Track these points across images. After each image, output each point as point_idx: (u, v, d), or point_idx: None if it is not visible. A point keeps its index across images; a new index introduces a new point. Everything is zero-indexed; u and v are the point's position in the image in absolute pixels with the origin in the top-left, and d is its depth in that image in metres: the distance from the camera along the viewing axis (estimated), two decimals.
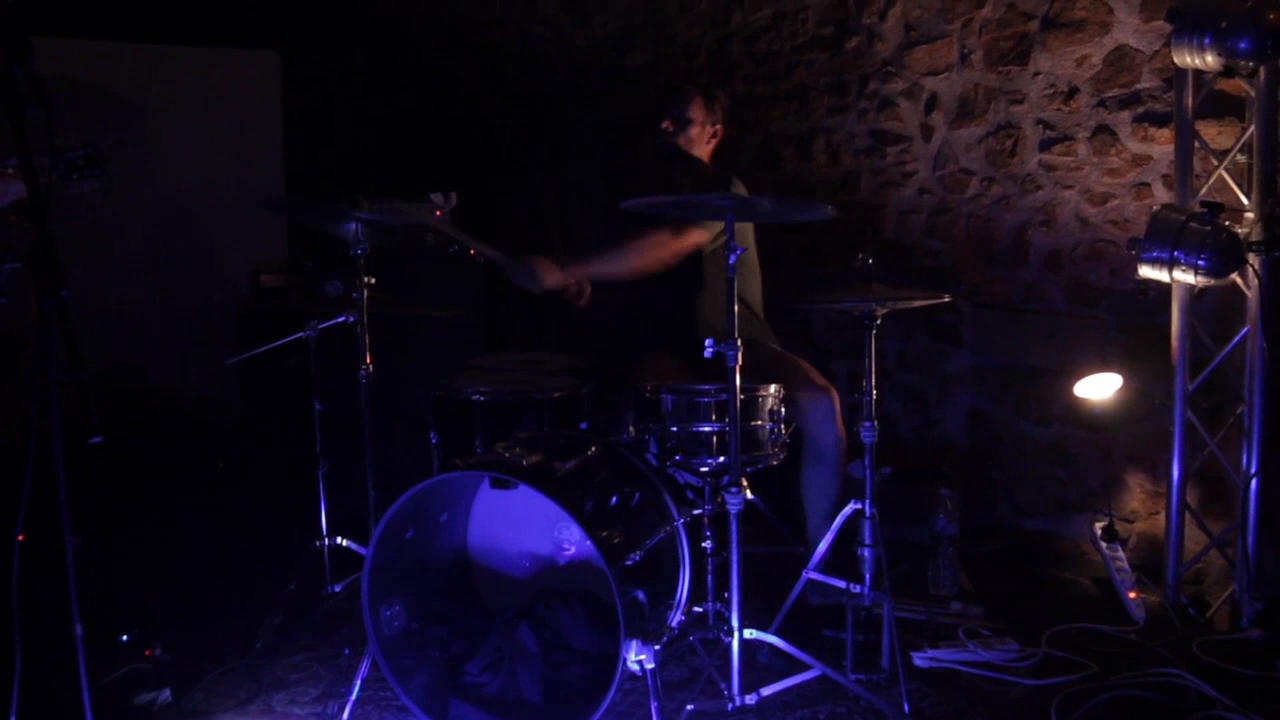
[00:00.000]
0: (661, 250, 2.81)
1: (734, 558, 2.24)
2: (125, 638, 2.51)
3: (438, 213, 3.86)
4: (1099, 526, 3.12)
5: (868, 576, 2.49)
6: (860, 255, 2.47)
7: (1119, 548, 3.05)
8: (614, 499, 2.32)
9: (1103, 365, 3.17)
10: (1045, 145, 3.34)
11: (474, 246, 2.98)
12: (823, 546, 2.63)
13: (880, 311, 2.44)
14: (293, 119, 4.93)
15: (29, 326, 1.82)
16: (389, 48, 5.47)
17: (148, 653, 2.53)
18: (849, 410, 4.06)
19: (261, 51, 4.96)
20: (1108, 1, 3.07)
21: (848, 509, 2.54)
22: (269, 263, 4.49)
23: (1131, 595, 2.89)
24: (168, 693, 2.43)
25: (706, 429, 2.38)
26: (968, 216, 3.64)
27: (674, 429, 2.38)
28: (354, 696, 2.31)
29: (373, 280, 2.62)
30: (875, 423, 2.49)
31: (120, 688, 2.36)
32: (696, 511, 2.45)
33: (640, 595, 2.24)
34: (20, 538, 2.19)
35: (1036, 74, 3.33)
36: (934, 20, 3.62)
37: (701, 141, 3.10)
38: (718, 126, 3.14)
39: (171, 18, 4.85)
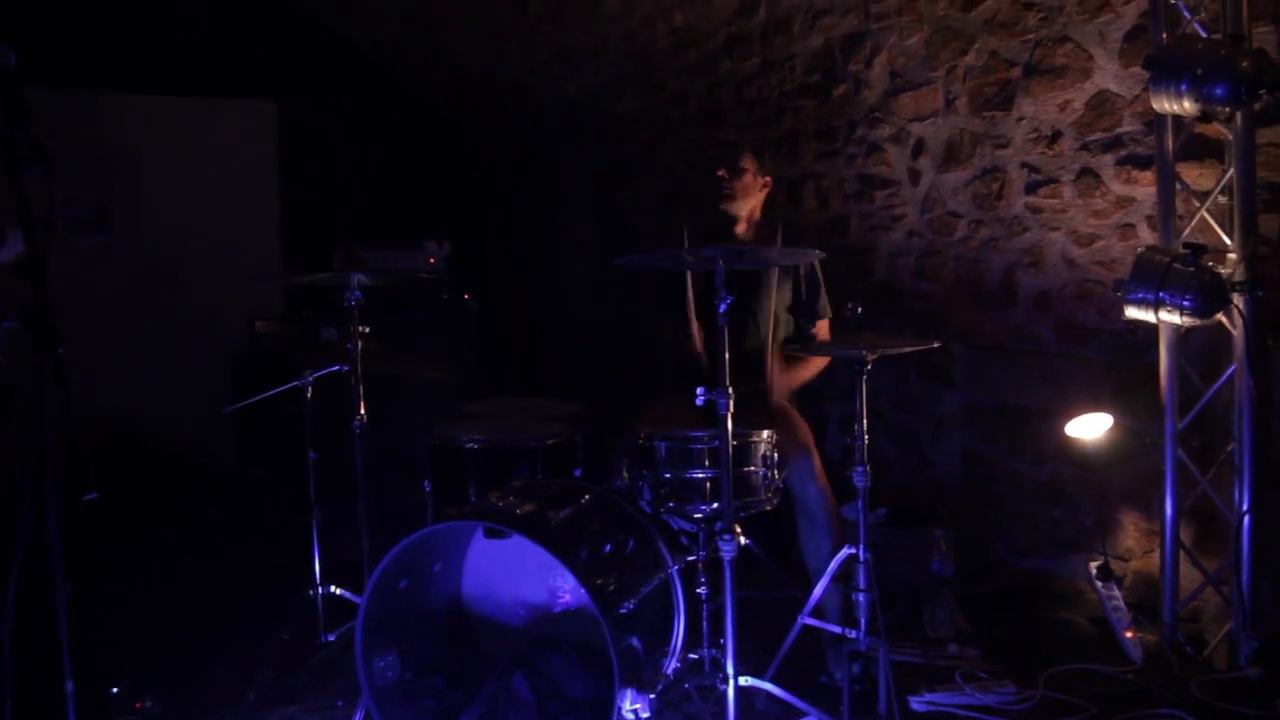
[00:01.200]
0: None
1: (728, 604, 2.23)
2: (116, 690, 2.49)
3: (432, 260, 3.90)
4: (1094, 566, 3.12)
5: (863, 621, 2.49)
6: (849, 305, 2.50)
7: (1114, 587, 3.04)
8: (608, 546, 2.32)
9: (1094, 404, 3.18)
10: (1031, 188, 3.39)
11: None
12: (818, 591, 2.63)
13: (870, 358, 2.47)
14: (288, 166, 4.99)
15: (25, 382, 1.85)
16: (384, 96, 5.56)
17: (139, 705, 2.50)
18: (842, 453, 4.10)
19: (258, 101, 5.03)
20: (1087, 49, 3.14)
21: (842, 553, 2.54)
22: (264, 309, 4.51)
23: (1128, 635, 2.88)
24: None
25: (699, 475, 2.38)
26: (956, 259, 3.68)
27: (667, 475, 2.39)
28: None
29: (366, 329, 2.64)
30: (868, 468, 2.50)
31: None
32: (690, 558, 2.45)
33: (635, 642, 2.24)
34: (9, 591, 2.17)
35: (1020, 119, 3.39)
36: (919, 68, 3.69)
37: (755, 189, 3.15)
38: (768, 178, 3.21)
39: (170, 70, 4.94)
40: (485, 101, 5.52)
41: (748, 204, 3.15)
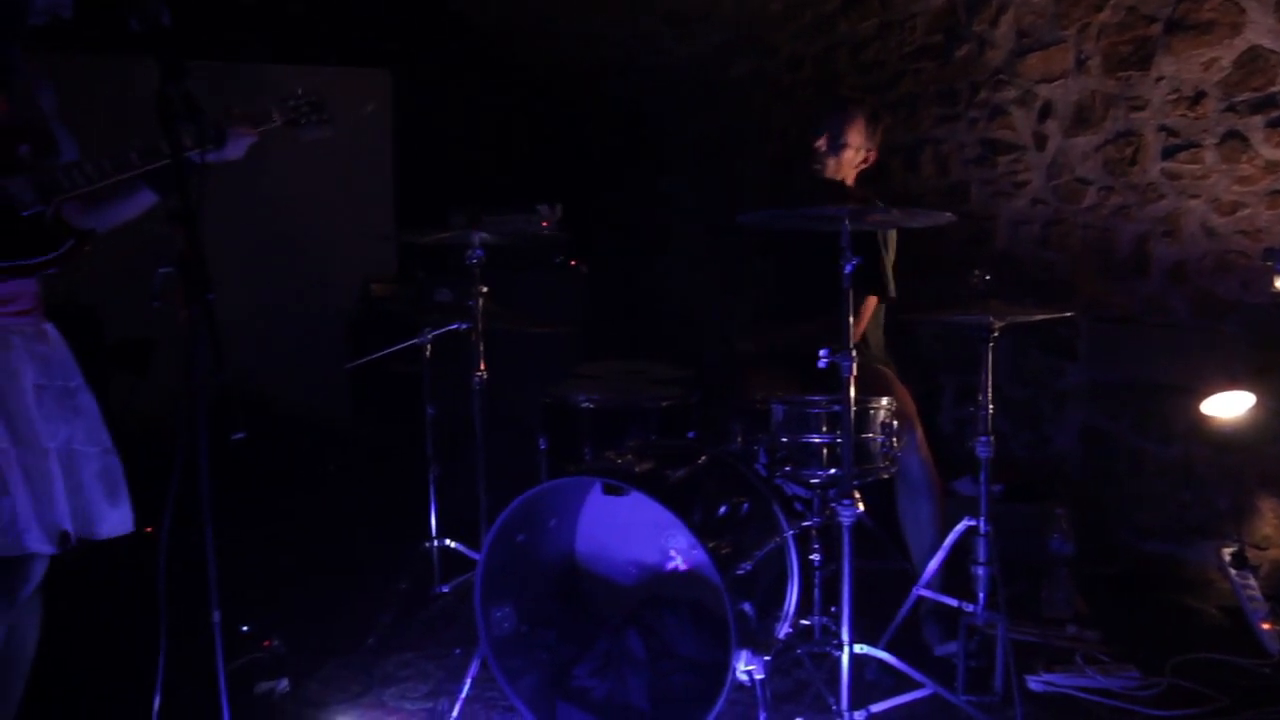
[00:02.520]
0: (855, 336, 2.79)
1: (845, 571, 2.21)
2: (245, 629, 2.62)
3: (544, 224, 3.93)
4: (1228, 552, 2.96)
5: (981, 595, 2.43)
6: (977, 272, 2.41)
7: (1250, 576, 2.89)
8: (723, 508, 2.31)
9: (1231, 382, 3.01)
10: (1169, 153, 3.21)
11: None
12: (934, 564, 2.57)
13: (998, 326, 2.38)
14: (402, 134, 5.10)
15: (162, 335, 1.94)
16: (494, 65, 5.61)
17: (266, 644, 2.63)
18: (957, 425, 3.99)
19: (373, 70, 5.14)
20: (1239, 2, 2.94)
21: (961, 525, 2.48)
22: (379, 272, 4.63)
23: (1265, 626, 2.73)
24: (285, 682, 2.52)
25: (817, 440, 2.35)
26: (1084, 227, 3.52)
27: (784, 440, 2.36)
28: (464, 694, 2.35)
29: (485, 289, 2.68)
30: (991, 438, 2.42)
31: (240, 676, 2.46)
32: (805, 523, 2.43)
33: (747, 606, 2.23)
34: (149, 530, 2.31)
35: (1159, 79, 3.21)
36: (1048, 26, 3.53)
37: (851, 165, 2.99)
38: (872, 152, 3.01)
39: (290, 40, 5.08)
40: (594, 69, 5.52)
41: (837, 177, 3.02)
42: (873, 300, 2.95)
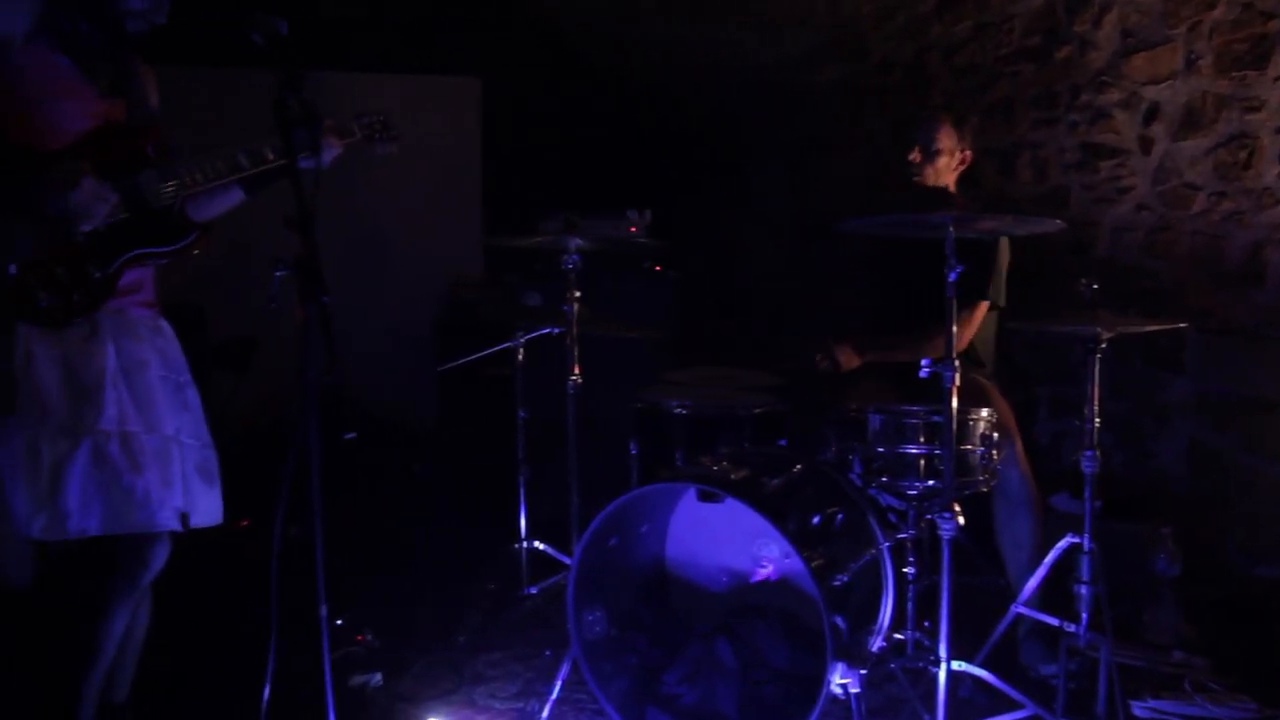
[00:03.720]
0: (962, 343, 2.75)
1: (944, 585, 2.16)
2: (339, 622, 2.68)
3: (632, 229, 3.94)
4: None
5: (1085, 615, 2.34)
6: (1084, 280, 2.34)
7: None
8: (818, 518, 2.28)
9: None
10: None
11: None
12: (1034, 581, 2.49)
13: (1106, 336, 2.30)
14: (490, 139, 5.17)
15: (281, 331, 2.01)
16: (582, 71, 5.67)
17: (359, 638, 2.69)
18: (1053, 438, 3.87)
19: (463, 78, 5.23)
20: None
21: (1063, 542, 2.41)
22: (466, 276, 4.70)
23: None
24: (379, 676, 2.57)
25: (914, 451, 2.31)
26: (1192, 234, 3.38)
27: (880, 450, 2.33)
28: (554, 696, 2.37)
29: (579, 294, 2.69)
30: (1097, 452, 2.35)
31: (335, 669, 2.52)
32: (901, 535, 2.38)
33: (840, 620, 2.19)
34: (245, 522, 2.38)
35: (1278, 78, 3.06)
36: (1155, 25, 3.39)
37: (949, 170, 2.98)
38: (966, 153, 3.00)
39: (383, 49, 5.20)
40: (682, 74, 5.52)
41: (939, 183, 2.99)
42: (982, 306, 2.88)
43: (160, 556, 1.99)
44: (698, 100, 5.58)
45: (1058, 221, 2.11)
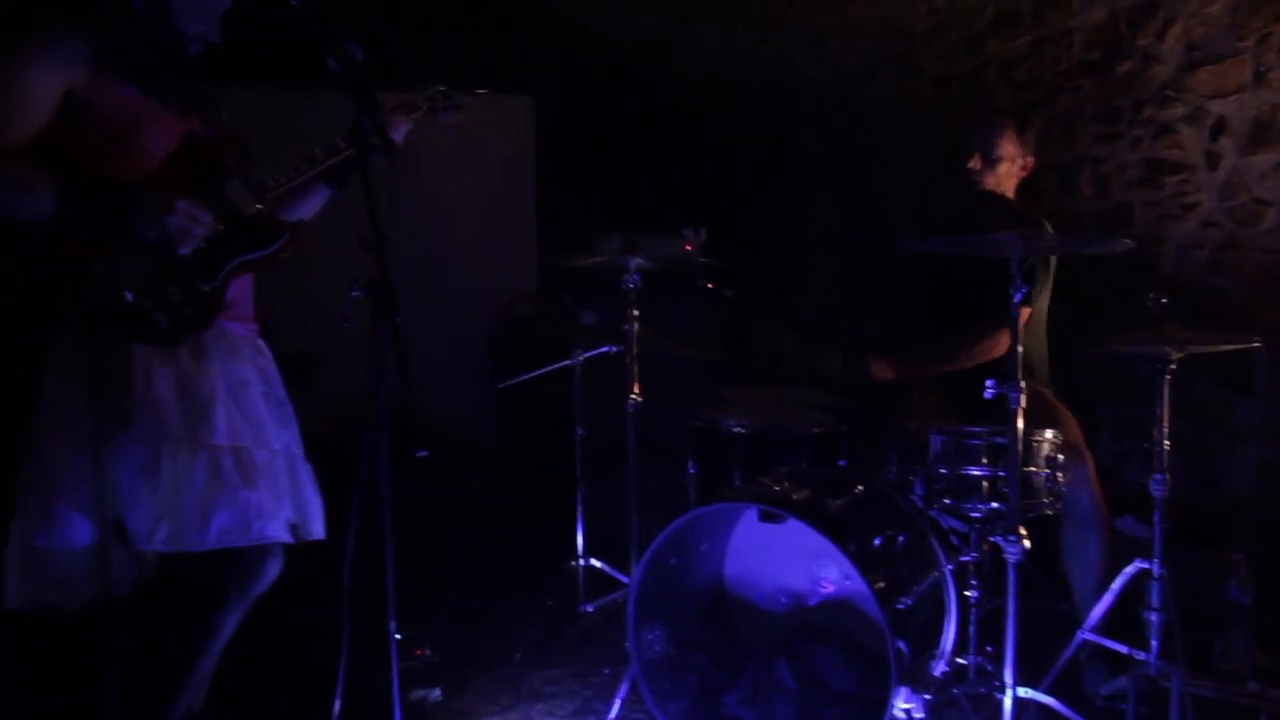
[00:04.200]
0: (999, 350, 2.71)
1: (1010, 610, 2.12)
2: (399, 636, 2.71)
3: (688, 247, 3.96)
4: None
5: (1154, 643, 2.29)
6: (1152, 295, 2.29)
7: None
8: (880, 540, 2.26)
9: None
10: None
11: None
12: (1100, 608, 2.44)
13: (1175, 356, 2.26)
14: (545, 157, 5.22)
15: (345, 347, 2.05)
16: (636, 89, 5.70)
17: (418, 652, 2.72)
18: (1117, 459, 3.79)
19: (517, 96, 5.30)
20: None
21: (1132, 567, 2.35)
22: (522, 293, 4.75)
23: None
24: (438, 692, 2.59)
25: (977, 473, 2.28)
26: (1263, 251, 3.30)
27: (942, 471, 2.30)
28: (614, 715, 2.37)
29: (637, 312, 2.71)
30: (1168, 475, 2.29)
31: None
32: (964, 558, 2.35)
33: (903, 643, 2.17)
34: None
35: None
36: (1222, 38, 3.33)
37: (1010, 177, 2.93)
38: (1028, 159, 2.96)
39: (435, 68, 5.28)
40: (735, 91, 5.54)
41: (998, 190, 2.94)
42: (1025, 311, 2.82)
43: (273, 569, 2.03)
44: (752, 116, 5.59)
45: (1127, 241, 2.08)
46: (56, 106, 1.82)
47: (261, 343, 2.14)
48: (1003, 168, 2.92)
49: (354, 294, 1.72)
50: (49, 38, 1.81)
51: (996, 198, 2.93)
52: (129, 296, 1.84)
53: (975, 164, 2.93)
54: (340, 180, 2.19)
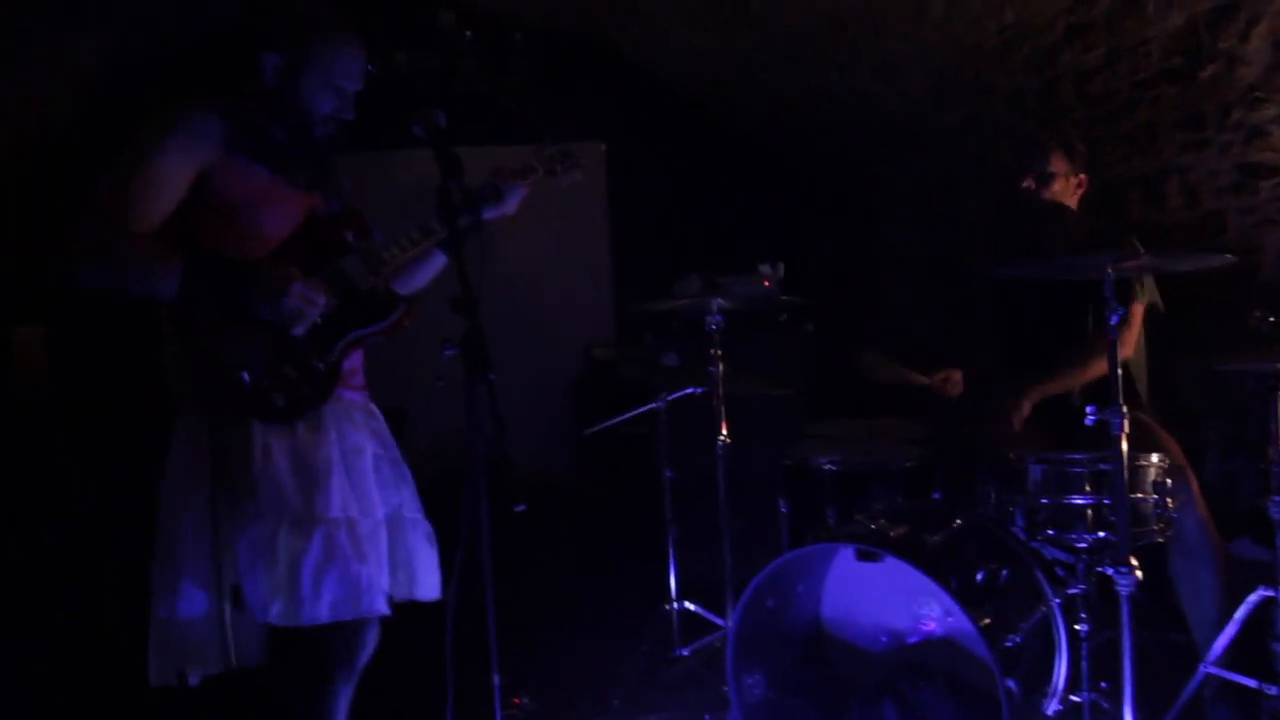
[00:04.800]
0: (1126, 349, 2.68)
1: (1125, 646, 2.04)
2: (496, 682, 2.73)
3: (766, 283, 3.95)
4: None
5: None
6: (1258, 313, 2.21)
7: None
8: (982, 575, 2.20)
9: None
10: None
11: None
12: (1224, 638, 2.33)
13: None
14: (618, 201, 5.30)
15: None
16: (706, 129, 5.76)
17: (516, 701, 2.73)
18: (1226, 479, 3.62)
19: (587, 143, 5.40)
20: None
21: (1255, 595, 2.24)
22: (600, 336, 4.80)
23: None
24: None
25: (1081, 501, 2.21)
26: None
27: (1043, 501, 2.24)
28: None
29: (721, 352, 2.72)
30: None
31: None
32: (1072, 590, 2.27)
33: (1012, 682, 2.10)
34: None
35: None
36: None
37: (1066, 195, 2.94)
38: (1081, 176, 2.97)
39: (508, 119, 5.42)
40: (805, 124, 5.54)
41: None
42: (1137, 310, 2.76)
43: (373, 639, 2.06)
44: (823, 148, 5.58)
45: (1228, 256, 2.01)
46: (190, 187, 1.88)
47: (374, 406, 2.16)
48: (1057, 184, 2.91)
49: (447, 352, 1.76)
50: (191, 125, 1.87)
51: (1054, 207, 2.89)
52: (246, 377, 1.88)
53: (1030, 184, 2.92)
54: (456, 249, 2.12)
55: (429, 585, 2.11)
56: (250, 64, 1.98)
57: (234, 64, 2.07)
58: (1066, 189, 2.93)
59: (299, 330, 1.93)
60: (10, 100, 4.04)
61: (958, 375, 3.03)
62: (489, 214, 2.26)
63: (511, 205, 2.29)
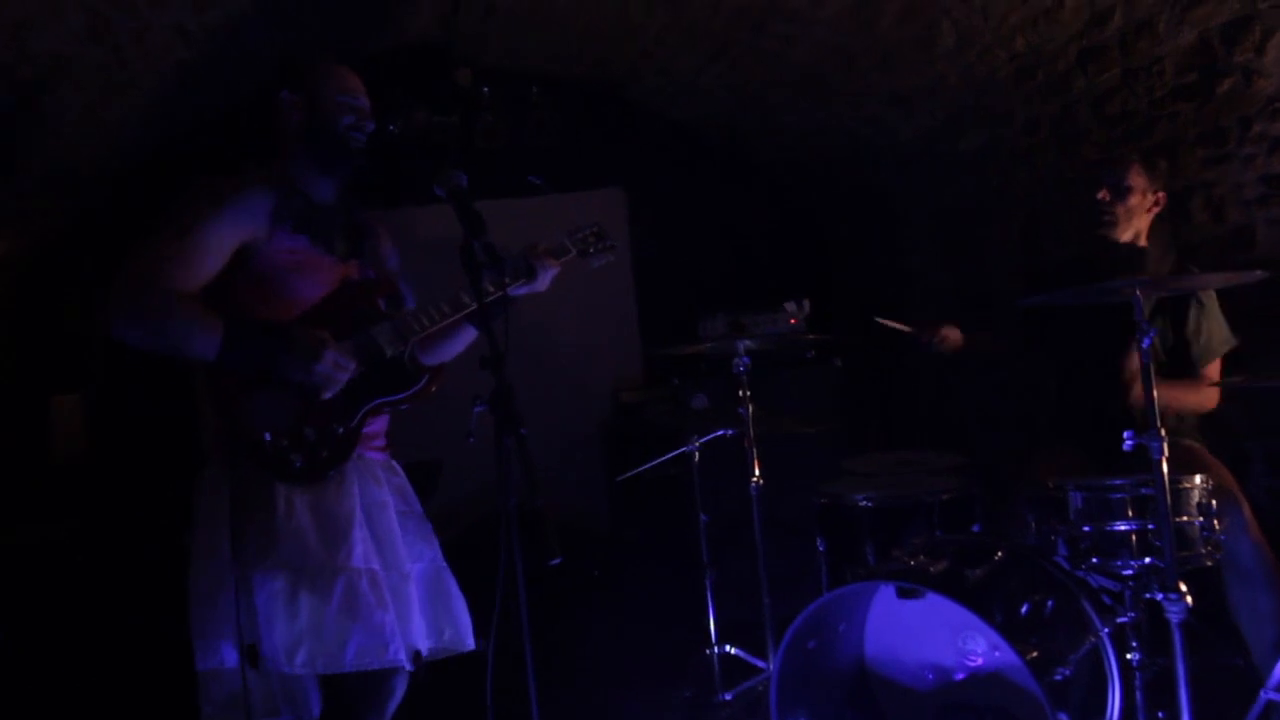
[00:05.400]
0: (1210, 402, 2.77)
1: (1180, 673, 1.99)
2: None
3: (792, 320, 3.95)
4: None
5: None
6: None
7: None
8: (1027, 607, 2.16)
9: None
10: None
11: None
12: None
13: None
14: (640, 245, 5.34)
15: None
16: (723, 169, 5.80)
17: None
18: (1272, 495, 3.54)
19: (607, 190, 5.46)
20: None
21: None
22: (627, 380, 4.81)
23: None
24: None
25: (1123, 528, 2.17)
26: None
27: (1085, 529, 2.20)
28: None
29: (750, 393, 2.71)
30: None
31: None
32: (1121, 619, 2.22)
33: (1064, 716, 2.05)
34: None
35: None
36: None
37: (1142, 210, 2.90)
38: (1160, 194, 2.94)
39: (525, 174, 5.48)
40: (822, 159, 5.57)
41: (1131, 228, 2.87)
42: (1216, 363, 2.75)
43: (400, 688, 2.07)
44: (841, 182, 5.59)
45: (1258, 272, 1.98)
46: (232, 255, 1.94)
47: (395, 464, 2.19)
48: (1134, 199, 2.88)
49: (477, 409, 1.78)
50: (242, 202, 1.94)
51: (1130, 250, 2.85)
52: (267, 437, 1.92)
53: (1104, 195, 2.89)
54: (484, 316, 2.15)
55: (469, 637, 2.11)
56: (270, 111, 2.07)
57: (254, 123, 2.15)
58: (1142, 205, 2.90)
59: (326, 395, 1.96)
60: (45, 174, 4.16)
61: (956, 331, 3.07)
62: (520, 290, 2.29)
63: (543, 284, 2.32)
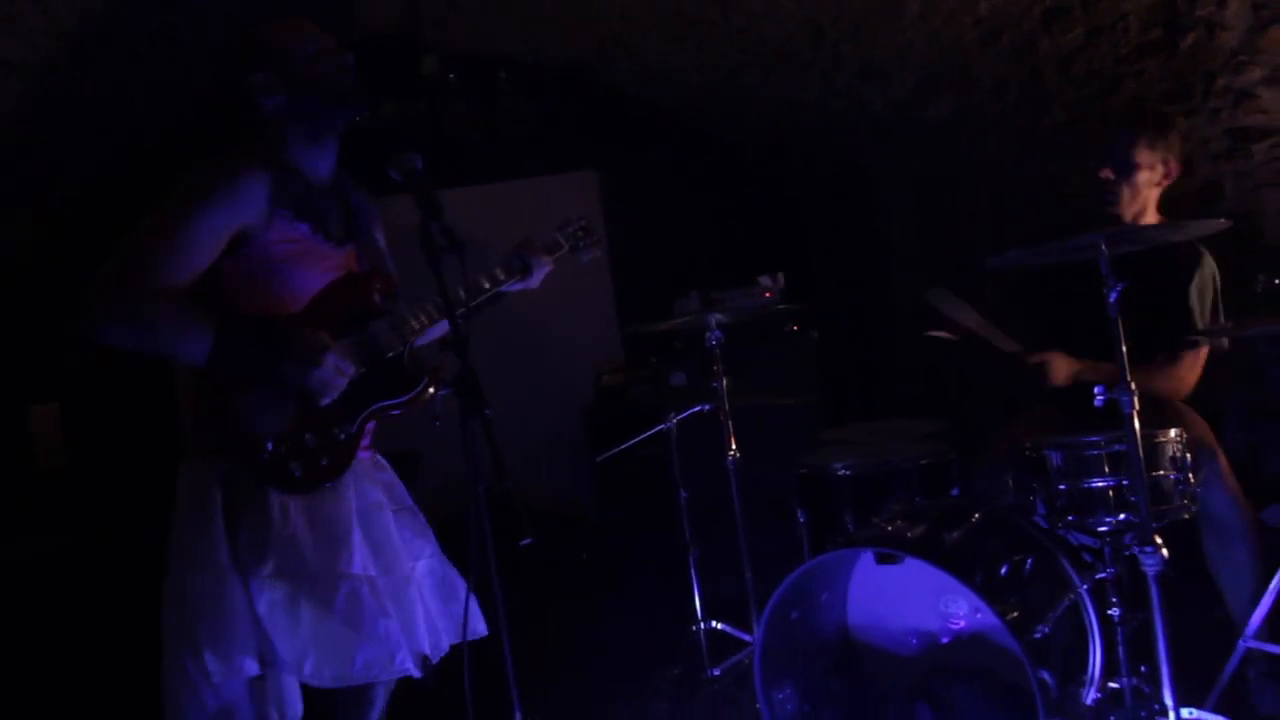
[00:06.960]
0: (1185, 387, 2.63)
1: (1158, 627, 2.00)
2: (519, 716, 2.70)
3: (767, 294, 3.95)
4: None
5: None
6: (1261, 276, 2.18)
7: None
8: (1006, 567, 2.17)
9: None
10: None
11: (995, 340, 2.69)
12: (1260, 612, 2.28)
13: None
14: (614, 226, 5.31)
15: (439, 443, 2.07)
16: (696, 147, 5.79)
17: None
18: (1250, 448, 3.56)
19: (579, 173, 5.43)
20: None
21: None
22: (607, 363, 4.80)
23: None
24: None
25: (1100, 484, 2.17)
26: None
27: (1062, 487, 2.20)
28: None
29: (723, 368, 2.71)
30: None
31: None
32: (1099, 575, 2.23)
33: (1046, 673, 2.06)
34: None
35: None
36: None
37: (1150, 186, 2.74)
38: (1171, 164, 2.73)
39: (496, 160, 5.46)
40: (794, 133, 5.56)
41: (1136, 204, 2.75)
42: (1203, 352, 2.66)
43: (382, 699, 2.05)
44: (814, 155, 5.58)
45: (1223, 221, 1.98)
46: (226, 245, 1.81)
47: (381, 459, 2.11)
48: (1141, 176, 2.71)
49: (441, 394, 1.75)
50: (236, 185, 1.81)
51: (1126, 227, 2.75)
52: (269, 445, 1.82)
53: (1108, 174, 2.71)
54: (475, 315, 2.05)
55: (480, 619, 2.03)
56: (245, 98, 1.93)
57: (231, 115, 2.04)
58: (1151, 180, 2.72)
59: (325, 401, 1.86)
60: (23, 182, 4.11)
61: (1062, 360, 2.56)
62: (513, 287, 2.24)
63: (536, 280, 2.28)
